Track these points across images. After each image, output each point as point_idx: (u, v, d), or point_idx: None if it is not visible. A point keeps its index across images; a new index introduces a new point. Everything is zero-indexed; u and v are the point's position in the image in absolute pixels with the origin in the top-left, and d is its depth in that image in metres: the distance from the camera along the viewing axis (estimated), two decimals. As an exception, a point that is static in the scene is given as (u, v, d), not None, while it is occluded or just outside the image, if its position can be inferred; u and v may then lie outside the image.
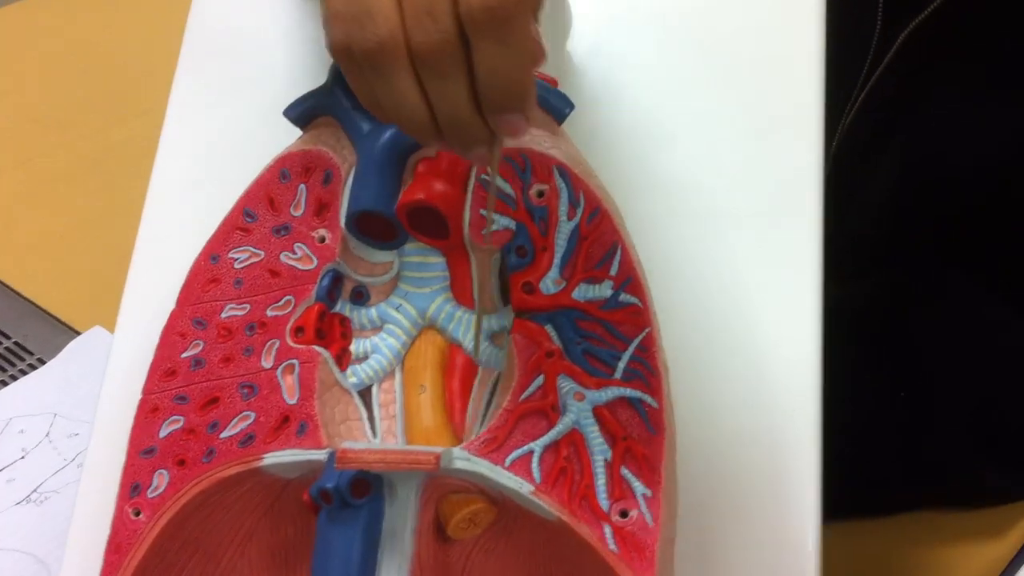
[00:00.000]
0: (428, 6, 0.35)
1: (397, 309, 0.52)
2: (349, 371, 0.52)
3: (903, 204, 0.69)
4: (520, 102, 0.37)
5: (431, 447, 0.44)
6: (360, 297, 0.53)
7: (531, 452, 0.45)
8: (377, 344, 0.52)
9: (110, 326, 0.67)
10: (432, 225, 0.51)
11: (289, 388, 0.50)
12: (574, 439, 0.45)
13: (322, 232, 0.52)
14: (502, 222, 0.49)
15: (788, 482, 0.51)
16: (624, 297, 0.48)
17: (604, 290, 0.49)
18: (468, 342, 0.51)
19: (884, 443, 0.69)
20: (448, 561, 0.47)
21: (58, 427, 0.78)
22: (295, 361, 0.50)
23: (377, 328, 0.53)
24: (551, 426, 0.46)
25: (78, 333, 1.00)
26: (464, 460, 0.45)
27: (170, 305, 0.59)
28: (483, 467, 0.44)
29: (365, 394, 0.52)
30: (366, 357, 0.52)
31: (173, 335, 0.52)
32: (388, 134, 0.51)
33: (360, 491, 0.46)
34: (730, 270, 0.55)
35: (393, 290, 0.53)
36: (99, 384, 0.60)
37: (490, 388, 0.50)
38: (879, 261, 0.72)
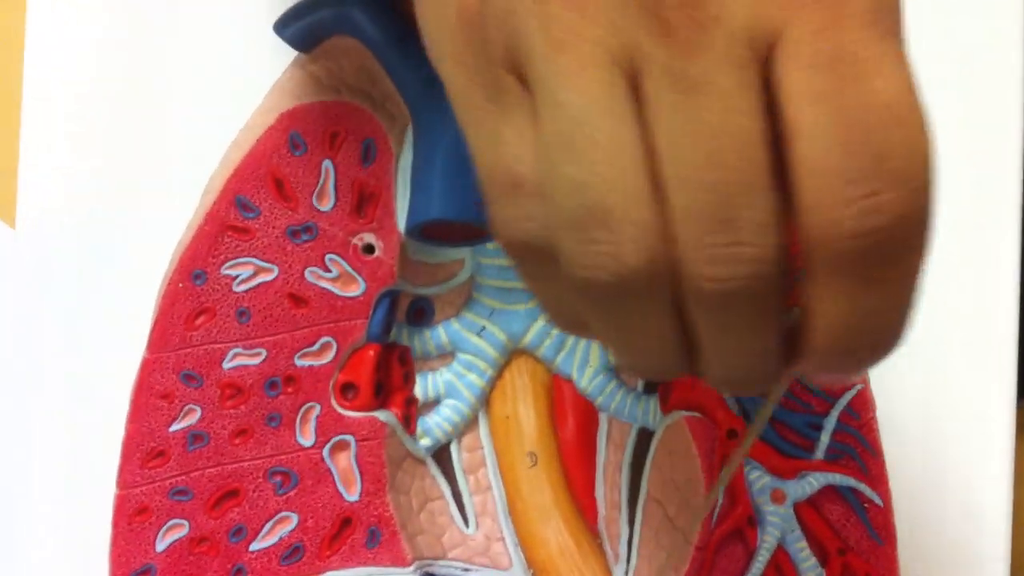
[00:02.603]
0: (724, 215, 0.18)
1: (479, 334, 0.37)
2: (419, 430, 0.36)
3: None
4: (878, 359, 0.20)
5: None
6: (421, 316, 0.37)
7: (738, 606, 0.33)
8: (452, 383, 0.37)
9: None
10: (540, 230, 0.34)
11: (344, 476, 0.35)
12: (779, 563, 0.33)
13: (367, 238, 0.34)
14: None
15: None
16: (823, 336, 0.34)
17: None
18: (588, 381, 0.36)
19: None
20: None
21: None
22: (350, 437, 0.35)
23: (447, 356, 0.37)
24: (750, 553, 0.33)
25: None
26: (660, 640, 0.32)
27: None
28: (684, 645, 0.32)
29: (440, 455, 0.37)
30: (437, 401, 0.37)
31: (151, 397, 0.35)
32: (469, 90, 0.33)
33: (487, 652, 0.33)
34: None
35: (466, 302, 0.37)
36: None
37: (629, 456, 0.36)
38: None
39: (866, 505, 0.34)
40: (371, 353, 0.35)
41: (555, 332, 0.36)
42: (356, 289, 0.34)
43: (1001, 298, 0.41)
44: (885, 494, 0.34)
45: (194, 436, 0.35)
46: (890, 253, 0.18)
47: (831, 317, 0.19)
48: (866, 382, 0.34)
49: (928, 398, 0.41)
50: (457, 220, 0.33)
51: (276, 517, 0.34)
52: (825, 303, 0.19)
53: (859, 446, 0.34)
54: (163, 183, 0.40)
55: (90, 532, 0.40)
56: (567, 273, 0.20)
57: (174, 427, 0.35)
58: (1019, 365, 0.42)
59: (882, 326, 0.20)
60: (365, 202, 0.34)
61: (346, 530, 0.34)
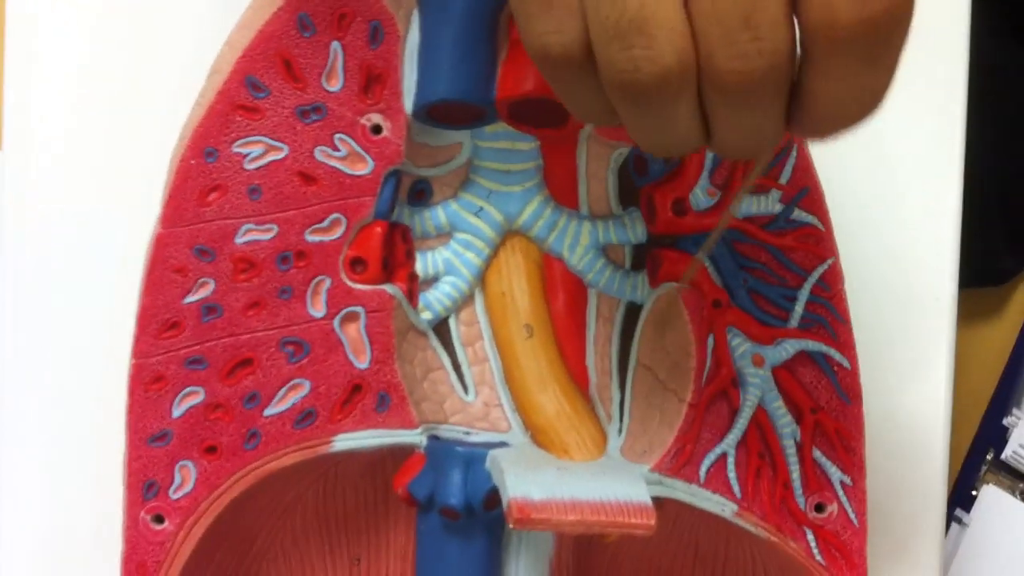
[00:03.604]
0: (744, 15, 0.21)
1: (476, 214, 0.38)
2: (420, 303, 0.38)
3: None
4: (862, 121, 0.24)
5: (634, 495, 0.33)
6: (421, 196, 0.39)
7: (724, 456, 0.35)
8: (451, 261, 0.39)
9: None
10: (541, 114, 0.36)
11: (355, 345, 0.36)
12: (759, 420, 0.36)
13: (375, 118, 0.36)
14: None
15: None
16: (798, 215, 0.37)
17: (770, 204, 0.37)
18: (579, 259, 0.39)
19: None
20: (592, 553, 0.39)
21: None
22: (359, 308, 0.36)
23: (445, 235, 0.39)
24: (734, 410, 0.36)
25: None
26: (658, 485, 0.35)
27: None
28: (679, 491, 0.35)
29: (440, 328, 0.39)
30: (436, 278, 0.39)
31: (165, 271, 0.36)
32: (475, -24, 0.34)
33: (493, 504, 0.35)
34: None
35: (463, 183, 0.39)
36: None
37: (618, 328, 0.39)
38: None
39: (835, 368, 0.37)
40: (378, 230, 0.36)
41: (548, 213, 0.38)
42: (364, 168, 0.36)
43: (946, 184, 0.45)
44: (852, 358, 0.37)
45: (208, 308, 0.36)
46: (881, 37, 0.22)
47: (829, 92, 0.23)
48: (836, 256, 0.37)
49: (877, 280, 0.45)
50: (463, 101, 0.35)
51: (289, 384, 0.36)
52: (824, 81, 0.23)
53: (829, 315, 0.37)
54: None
55: (86, 530, 0.43)
56: (607, 77, 0.23)
57: (188, 299, 0.36)
58: (962, 253, 0.46)
59: (869, 95, 0.23)
60: (373, 83, 0.36)
61: (356, 395, 0.36)
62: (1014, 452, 0.65)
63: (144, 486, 0.36)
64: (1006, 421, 0.66)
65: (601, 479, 0.34)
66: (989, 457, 0.65)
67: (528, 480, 0.33)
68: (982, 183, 0.54)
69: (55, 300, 0.43)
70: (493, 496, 0.35)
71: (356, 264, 0.36)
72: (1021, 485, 0.65)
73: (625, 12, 0.21)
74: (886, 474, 0.43)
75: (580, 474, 0.34)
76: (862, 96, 0.23)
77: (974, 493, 0.64)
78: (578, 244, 0.39)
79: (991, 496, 0.64)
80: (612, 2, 0.22)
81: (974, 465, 0.65)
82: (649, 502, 0.33)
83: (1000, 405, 0.67)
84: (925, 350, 0.44)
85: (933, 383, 0.44)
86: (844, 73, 0.22)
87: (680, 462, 0.35)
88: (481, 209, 0.38)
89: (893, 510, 0.44)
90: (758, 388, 0.36)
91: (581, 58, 0.23)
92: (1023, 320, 0.71)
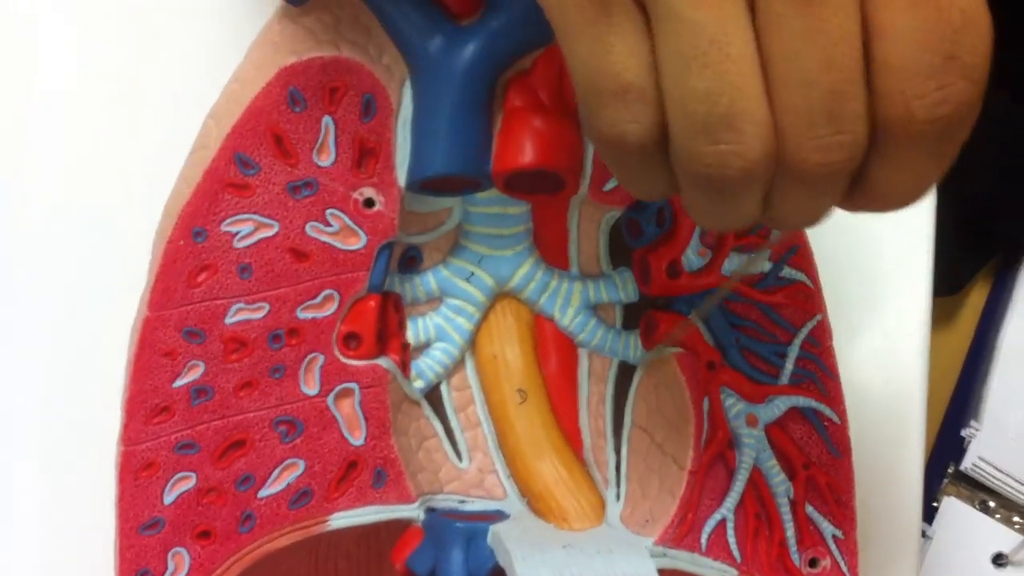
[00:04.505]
0: (830, 109, 0.21)
1: (467, 279, 0.38)
2: (412, 371, 0.38)
3: None
4: (914, 202, 0.24)
5: (643, 574, 0.34)
6: (412, 263, 0.38)
7: (724, 521, 0.36)
8: (442, 327, 0.38)
9: None
10: (536, 182, 0.36)
11: (349, 422, 0.36)
12: (755, 480, 0.37)
13: (367, 192, 0.35)
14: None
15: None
16: (788, 272, 0.37)
17: (760, 262, 0.37)
18: (570, 320, 0.38)
19: None
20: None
21: None
22: (353, 384, 0.36)
23: (435, 300, 0.38)
24: (731, 472, 0.36)
25: None
26: (662, 557, 0.35)
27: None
28: (683, 561, 0.35)
29: (431, 395, 0.39)
30: (427, 344, 0.38)
31: (154, 355, 0.35)
32: (469, 49, 0.34)
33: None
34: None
35: (453, 248, 0.38)
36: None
37: (611, 389, 0.39)
38: None
39: (825, 423, 0.37)
40: (372, 304, 0.36)
41: (539, 275, 0.38)
42: (357, 242, 0.35)
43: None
44: (842, 413, 0.38)
45: (198, 391, 0.35)
46: (949, 133, 0.22)
47: (892, 179, 0.23)
48: (825, 312, 0.38)
49: (851, 294, 0.46)
50: (461, 174, 0.34)
51: (283, 464, 0.36)
52: (890, 170, 0.23)
53: (819, 371, 0.38)
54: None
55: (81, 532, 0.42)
56: (688, 169, 0.23)
57: (177, 383, 0.35)
58: (935, 264, 0.47)
59: (926, 182, 0.23)
60: (365, 157, 0.35)
61: (352, 472, 0.36)
62: (973, 464, 0.67)
63: (137, 575, 0.35)
64: (964, 432, 0.68)
65: (608, 556, 0.34)
66: (950, 470, 0.67)
67: (536, 563, 0.33)
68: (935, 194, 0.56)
69: (55, 301, 0.42)
70: (496, 572, 0.35)
71: (350, 339, 0.36)
72: (981, 496, 0.67)
73: (716, 107, 0.21)
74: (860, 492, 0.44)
75: (587, 551, 0.34)
76: (919, 183, 0.23)
77: (935, 505, 0.66)
78: (569, 305, 0.39)
79: (952, 508, 0.66)
80: (701, 96, 0.21)
81: (935, 477, 0.67)
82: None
83: (956, 417, 0.69)
84: (898, 364, 0.45)
85: (906, 403, 0.45)
86: (910, 164, 0.23)
87: (683, 532, 0.35)
88: (472, 275, 0.38)
89: (869, 529, 0.45)
90: (753, 448, 0.37)
91: (655, 146, 0.23)
92: (975, 330, 0.73)
